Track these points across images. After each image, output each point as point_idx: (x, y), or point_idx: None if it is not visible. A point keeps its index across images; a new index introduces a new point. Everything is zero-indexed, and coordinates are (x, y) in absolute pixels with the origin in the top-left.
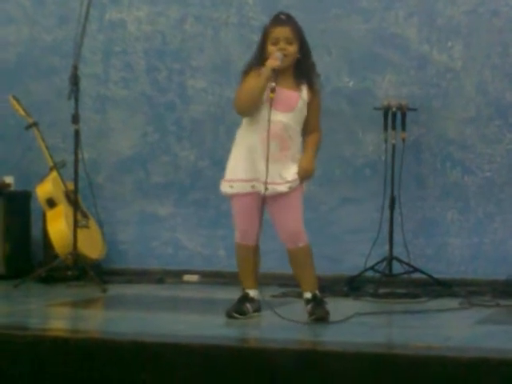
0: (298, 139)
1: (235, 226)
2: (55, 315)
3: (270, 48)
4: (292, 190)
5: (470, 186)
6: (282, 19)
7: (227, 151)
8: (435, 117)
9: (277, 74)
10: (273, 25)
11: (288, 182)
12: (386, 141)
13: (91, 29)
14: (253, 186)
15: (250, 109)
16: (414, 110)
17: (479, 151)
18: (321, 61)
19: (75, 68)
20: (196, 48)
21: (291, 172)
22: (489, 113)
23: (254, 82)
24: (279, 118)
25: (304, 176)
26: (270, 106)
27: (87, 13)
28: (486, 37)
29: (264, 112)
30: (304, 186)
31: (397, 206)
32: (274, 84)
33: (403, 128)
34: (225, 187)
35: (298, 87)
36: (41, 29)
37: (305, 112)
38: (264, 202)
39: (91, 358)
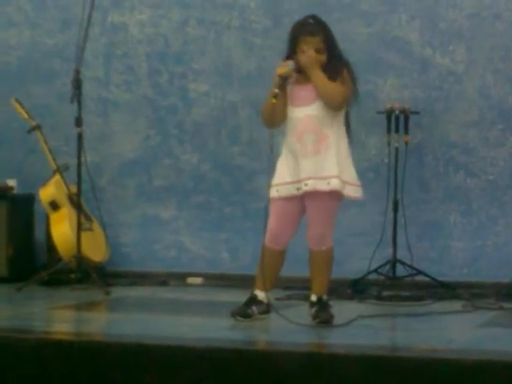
0: (336, 126)
1: (267, 228)
2: (58, 318)
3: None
4: (332, 192)
5: (473, 189)
6: (312, 28)
7: (229, 154)
8: (438, 120)
9: (285, 81)
10: (304, 33)
11: (332, 177)
12: (389, 144)
13: (93, 32)
14: (298, 189)
15: (270, 120)
16: (417, 113)
17: (482, 154)
18: None
19: (77, 72)
20: (198, 51)
21: (337, 169)
22: (491, 116)
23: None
24: (306, 112)
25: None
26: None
27: (89, 16)
28: (488, 40)
29: (291, 112)
30: (359, 192)
31: (400, 208)
32: (277, 90)
33: (406, 131)
34: (272, 192)
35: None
36: (42, 32)
37: None
38: (304, 201)
39: (95, 361)
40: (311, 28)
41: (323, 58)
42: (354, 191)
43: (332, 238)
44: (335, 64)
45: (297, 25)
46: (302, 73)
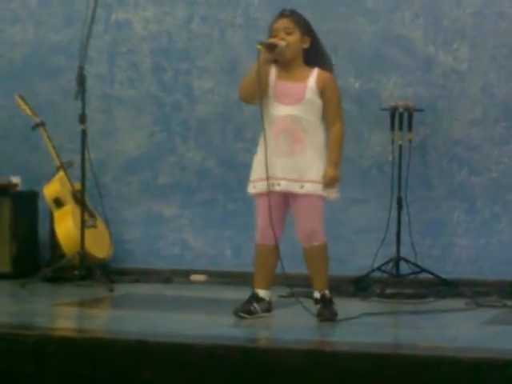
0: (316, 131)
1: (257, 226)
2: (62, 315)
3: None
4: (312, 192)
5: (477, 186)
6: (282, 13)
7: (234, 151)
8: (441, 118)
9: (273, 49)
10: (273, 20)
11: (306, 181)
12: (392, 142)
13: (97, 29)
14: (271, 185)
15: (249, 90)
16: (421, 110)
17: (486, 152)
18: None
19: (81, 68)
20: (202, 48)
21: (313, 172)
22: (495, 114)
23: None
24: (287, 111)
25: (329, 183)
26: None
27: (93, 13)
28: (491, 38)
29: (271, 108)
30: (334, 193)
31: (404, 206)
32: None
33: (410, 129)
34: (249, 188)
35: (304, 78)
36: (47, 29)
37: (318, 102)
38: (287, 200)
39: (97, 358)
40: (280, 14)
41: (293, 37)
42: (330, 192)
43: (323, 233)
44: (316, 56)
45: None
46: (279, 63)
